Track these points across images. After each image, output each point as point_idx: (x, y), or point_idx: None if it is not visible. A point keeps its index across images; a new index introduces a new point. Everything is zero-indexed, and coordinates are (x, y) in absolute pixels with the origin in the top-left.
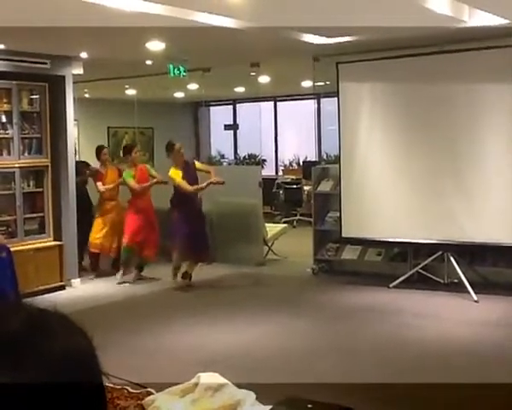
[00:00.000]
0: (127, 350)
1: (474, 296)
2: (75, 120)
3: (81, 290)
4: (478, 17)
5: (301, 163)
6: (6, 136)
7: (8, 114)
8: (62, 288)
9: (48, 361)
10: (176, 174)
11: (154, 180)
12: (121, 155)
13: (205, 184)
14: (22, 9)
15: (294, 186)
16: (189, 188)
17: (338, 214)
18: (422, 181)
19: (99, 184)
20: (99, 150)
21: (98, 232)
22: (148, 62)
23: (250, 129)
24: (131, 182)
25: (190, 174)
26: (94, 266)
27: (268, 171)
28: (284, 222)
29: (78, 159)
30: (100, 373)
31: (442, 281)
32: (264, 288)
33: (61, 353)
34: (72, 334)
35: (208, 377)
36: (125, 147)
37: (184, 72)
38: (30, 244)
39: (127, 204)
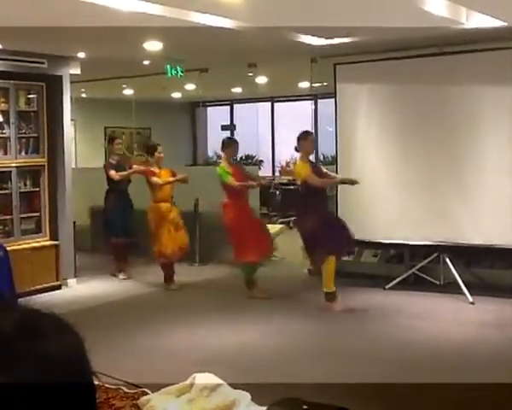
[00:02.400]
0: (123, 350)
1: (470, 298)
2: (72, 119)
3: (77, 290)
4: (475, 19)
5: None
6: (3, 135)
7: (6, 113)
8: (58, 287)
9: (38, 362)
10: (303, 168)
11: (263, 180)
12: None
13: (338, 178)
14: (19, 9)
15: (291, 187)
16: (319, 181)
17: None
18: (419, 183)
19: (155, 178)
20: (153, 148)
21: (165, 241)
22: (146, 62)
23: (247, 130)
24: (230, 179)
25: (318, 171)
26: (170, 275)
27: (265, 171)
28: (281, 223)
29: (75, 163)
30: (90, 374)
31: (438, 282)
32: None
33: (52, 354)
34: (64, 335)
35: (204, 378)
36: (224, 142)
37: (182, 72)
38: (26, 244)
39: (222, 209)
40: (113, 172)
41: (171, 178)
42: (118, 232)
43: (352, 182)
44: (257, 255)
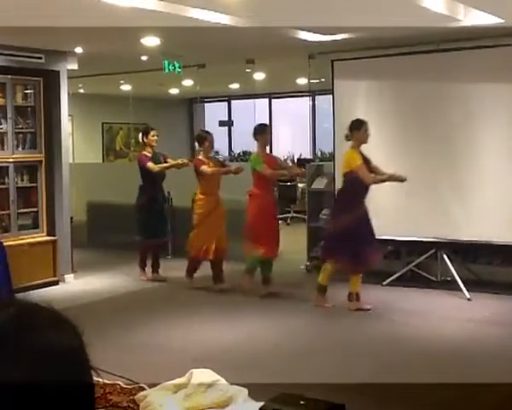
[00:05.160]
0: (120, 346)
1: (467, 294)
2: (69, 115)
3: (74, 286)
4: (473, 16)
5: (296, 160)
6: (0, 130)
7: (3, 108)
8: (56, 283)
9: (35, 355)
10: (354, 157)
11: (296, 170)
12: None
13: (386, 175)
14: (16, 7)
15: (289, 183)
16: (369, 177)
17: None
18: (417, 179)
19: (204, 167)
20: (203, 137)
21: (205, 236)
22: (144, 58)
23: (245, 126)
24: (263, 167)
25: (368, 164)
26: (193, 271)
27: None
28: (278, 219)
29: (73, 158)
30: (88, 369)
31: (435, 279)
32: (258, 285)
33: (49, 347)
34: (61, 330)
35: (201, 374)
36: (256, 129)
37: (179, 68)
38: (23, 239)
39: (248, 198)
40: (151, 164)
41: (222, 169)
42: (153, 233)
43: (401, 179)
44: (271, 251)
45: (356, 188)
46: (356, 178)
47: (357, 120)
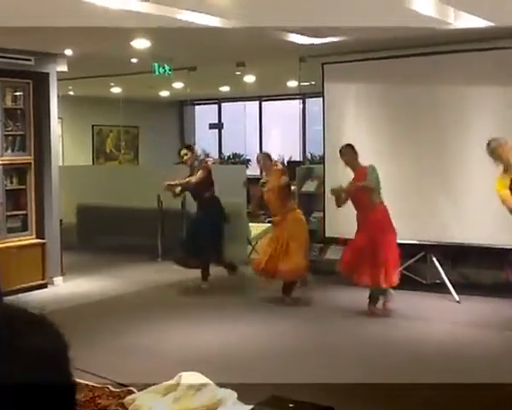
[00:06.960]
0: (109, 349)
1: (456, 297)
2: (59, 117)
3: (63, 289)
4: (463, 19)
5: (286, 163)
6: None
7: None
8: (45, 286)
9: (15, 360)
10: (501, 184)
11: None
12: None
13: None
14: (4, 8)
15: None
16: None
17: (322, 214)
18: (407, 182)
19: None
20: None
21: (262, 254)
22: (134, 60)
23: (235, 128)
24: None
25: None
26: (289, 291)
27: (252, 170)
28: (268, 222)
29: (62, 161)
30: (70, 371)
31: (425, 282)
32: (247, 287)
33: (31, 352)
34: (44, 333)
35: (190, 377)
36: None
37: (170, 70)
38: (12, 242)
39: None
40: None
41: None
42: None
43: None
44: (369, 279)
45: None
46: None
47: (494, 141)
